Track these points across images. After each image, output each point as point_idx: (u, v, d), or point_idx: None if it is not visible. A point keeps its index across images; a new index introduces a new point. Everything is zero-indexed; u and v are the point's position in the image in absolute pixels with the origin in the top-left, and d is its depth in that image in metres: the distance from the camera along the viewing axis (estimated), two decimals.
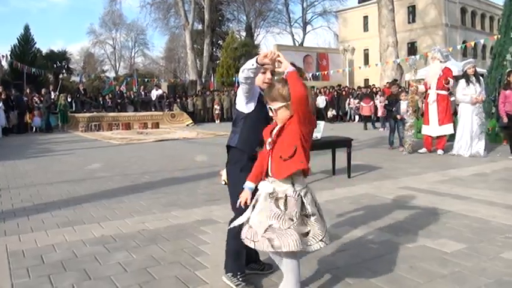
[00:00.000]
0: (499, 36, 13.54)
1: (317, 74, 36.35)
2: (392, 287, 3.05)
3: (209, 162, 9.49)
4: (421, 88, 10.50)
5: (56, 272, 3.43)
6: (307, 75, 36.31)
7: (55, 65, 43.58)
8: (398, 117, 10.84)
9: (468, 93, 9.50)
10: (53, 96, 22.52)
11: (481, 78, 9.73)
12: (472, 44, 26.07)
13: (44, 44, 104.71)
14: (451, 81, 9.79)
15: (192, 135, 17.36)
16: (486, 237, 4.03)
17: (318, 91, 27.34)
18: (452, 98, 11.42)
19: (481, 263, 3.43)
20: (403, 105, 10.75)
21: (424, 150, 10.14)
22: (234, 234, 2.89)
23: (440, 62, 9.99)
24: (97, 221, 4.88)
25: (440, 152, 9.91)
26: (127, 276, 3.32)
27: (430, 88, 10.03)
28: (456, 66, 18.42)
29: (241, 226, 2.76)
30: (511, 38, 12.67)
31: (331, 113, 24.01)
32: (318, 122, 7.39)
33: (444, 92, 9.92)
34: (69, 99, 24.08)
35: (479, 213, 4.83)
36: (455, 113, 10.75)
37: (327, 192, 6.21)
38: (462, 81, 9.69)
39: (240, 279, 3.05)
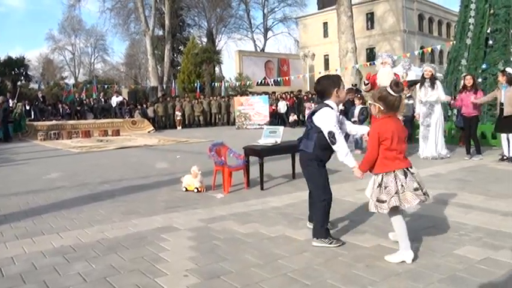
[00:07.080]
0: (455, 42, 13.92)
1: (278, 79, 36.72)
2: (349, 286, 3.13)
3: (170, 170, 9.43)
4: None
5: (16, 285, 3.37)
6: (269, 80, 36.64)
7: (13, 72, 42.34)
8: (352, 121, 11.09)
9: (420, 97, 9.70)
10: (11, 104, 21.89)
11: (437, 82, 9.74)
12: (429, 49, 26.81)
13: (1, 51, 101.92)
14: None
15: (153, 142, 17.20)
16: (440, 235, 4.18)
17: (279, 96, 27.60)
18: (410, 101, 11.69)
19: (434, 260, 3.55)
20: (357, 110, 11.01)
21: None
22: (327, 210, 4.07)
23: (392, 67, 10.01)
24: (56, 232, 4.80)
25: None
26: (86, 287, 3.29)
27: None
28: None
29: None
30: (465, 43, 13.04)
31: (292, 117, 24.23)
32: (277, 127, 7.51)
33: None
34: (27, 107, 23.52)
35: (435, 213, 4.98)
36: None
37: (286, 196, 6.28)
38: (418, 85, 9.90)
39: (329, 237, 4.02)
